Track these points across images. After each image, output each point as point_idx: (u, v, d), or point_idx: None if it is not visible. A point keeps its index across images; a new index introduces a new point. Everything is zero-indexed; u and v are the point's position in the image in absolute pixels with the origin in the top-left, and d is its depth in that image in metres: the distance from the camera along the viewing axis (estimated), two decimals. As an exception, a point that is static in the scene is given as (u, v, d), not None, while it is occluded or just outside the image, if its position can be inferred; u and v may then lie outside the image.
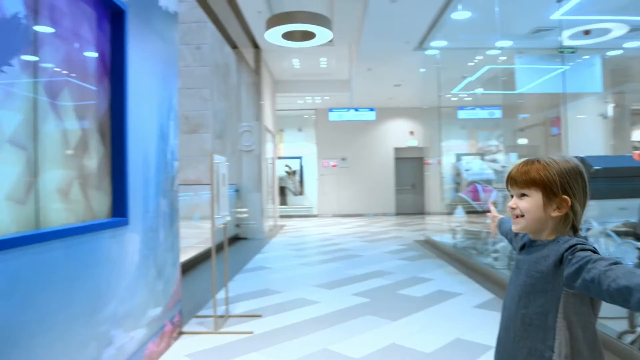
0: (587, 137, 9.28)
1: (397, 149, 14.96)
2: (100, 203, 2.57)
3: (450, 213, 9.75)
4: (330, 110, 10.55)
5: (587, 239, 1.20)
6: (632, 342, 3.10)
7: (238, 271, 6.11)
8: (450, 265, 6.41)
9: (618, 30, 6.96)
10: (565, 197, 1.19)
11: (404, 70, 9.84)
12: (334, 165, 14.74)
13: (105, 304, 2.42)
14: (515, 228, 1.28)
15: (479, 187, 7.30)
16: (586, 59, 8.30)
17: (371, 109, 10.71)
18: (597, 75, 8.12)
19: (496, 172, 8.39)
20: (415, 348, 3.30)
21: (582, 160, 4.18)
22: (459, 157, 11.09)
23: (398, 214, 14.91)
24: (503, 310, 1.32)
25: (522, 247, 1.31)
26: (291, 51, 9.07)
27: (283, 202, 14.55)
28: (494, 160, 9.11)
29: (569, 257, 1.10)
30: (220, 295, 4.50)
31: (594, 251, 1.09)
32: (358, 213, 14.70)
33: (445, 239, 8.32)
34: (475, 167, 7.80)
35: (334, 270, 6.17)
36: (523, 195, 1.24)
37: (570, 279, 1.09)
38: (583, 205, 1.21)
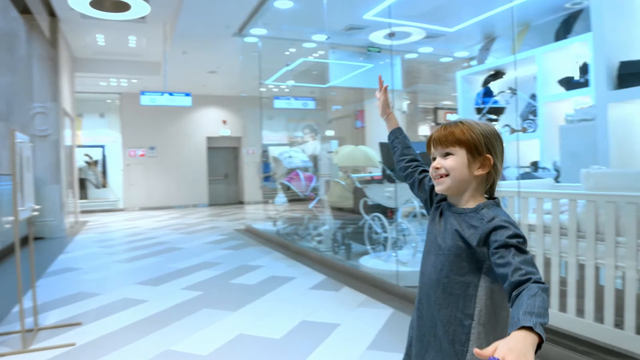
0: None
1: (209, 138, 14.58)
2: None
3: (267, 201, 9.88)
4: (143, 93, 9.66)
5: (499, 202, 1.23)
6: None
7: (40, 275, 5.17)
8: (276, 252, 6.46)
9: (417, 35, 7.86)
10: (489, 155, 1.20)
11: (221, 56, 9.57)
12: (142, 155, 13.66)
13: None
14: (439, 188, 1.24)
15: (301, 174, 7.51)
16: (388, 60, 9.21)
17: (187, 94, 10.15)
18: (398, 74, 9.05)
19: (313, 159, 8.77)
20: (264, 336, 3.19)
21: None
22: (269, 147, 11.27)
23: (211, 204, 14.57)
24: (422, 277, 1.28)
25: (439, 211, 1.30)
26: (95, 25, 8.03)
27: (83, 195, 12.94)
28: (303, 151, 9.42)
29: (494, 244, 1.08)
30: (25, 304, 3.71)
31: (519, 236, 1.08)
32: (169, 205, 13.92)
33: (267, 226, 8.39)
34: (296, 156, 8.00)
35: (155, 265, 5.67)
36: (447, 154, 1.22)
37: (490, 261, 1.09)
38: (500, 167, 1.24)
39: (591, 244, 2.45)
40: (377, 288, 4.26)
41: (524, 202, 2.89)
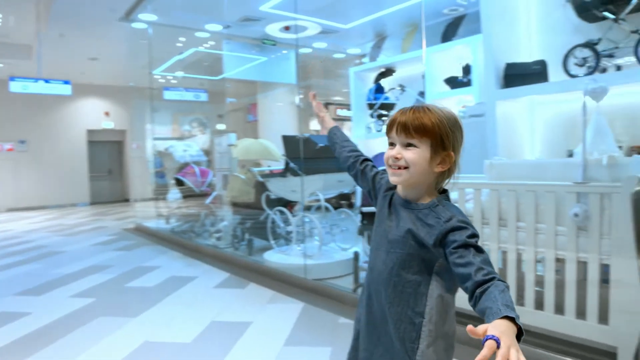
0: (282, 123, 10.26)
1: (90, 132, 13.44)
2: None
3: (158, 198, 9.36)
4: (12, 79, 8.56)
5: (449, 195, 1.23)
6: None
7: None
8: (172, 251, 6.14)
9: (312, 29, 7.92)
10: (452, 153, 1.15)
11: (105, 42, 8.83)
12: (10, 149, 12.20)
13: None
14: (394, 179, 1.19)
15: (196, 168, 7.22)
16: (284, 52, 9.20)
17: (66, 82, 9.20)
18: (292, 68, 9.07)
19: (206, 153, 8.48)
20: (173, 341, 3.01)
21: (308, 139, 4.60)
22: (156, 140, 10.65)
23: (94, 203, 13.47)
24: (371, 272, 1.25)
25: (388, 202, 1.26)
26: (-51, -1, 6.96)
27: None
28: (189, 145, 9.04)
29: (453, 244, 1.07)
30: None
31: (476, 235, 1.09)
32: (43, 205, 12.60)
33: (160, 224, 7.95)
34: (189, 149, 7.67)
35: (35, 272, 5.09)
36: (409, 145, 1.15)
37: (448, 260, 1.08)
38: (458, 163, 1.20)
39: (495, 230, 2.65)
40: (285, 283, 4.24)
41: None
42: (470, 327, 0.80)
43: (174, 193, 8.07)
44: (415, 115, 1.15)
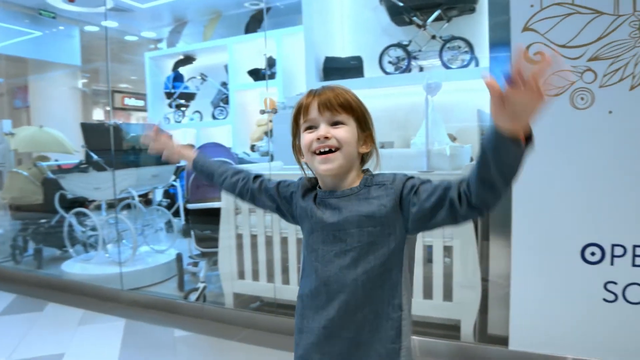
0: (63, 110, 8.91)
1: None
2: None
3: None
4: None
5: None
6: (197, 299, 3.26)
7: None
8: None
9: (102, 5, 6.96)
10: (370, 132, 1.07)
11: None
12: None
13: None
14: (327, 167, 1.01)
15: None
16: (64, 28, 7.91)
17: None
18: (76, 47, 7.91)
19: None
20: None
21: (118, 127, 3.97)
22: None
23: None
24: (325, 287, 1.02)
25: (313, 205, 1.07)
26: None
27: None
28: None
29: (412, 189, 0.98)
30: None
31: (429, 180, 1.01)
32: None
33: None
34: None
35: None
36: (337, 123, 1.02)
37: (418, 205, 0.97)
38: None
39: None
40: (96, 298, 3.58)
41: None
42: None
43: None
44: (335, 92, 1.04)
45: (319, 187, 1.09)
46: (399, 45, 3.50)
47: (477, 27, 3.42)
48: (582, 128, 2.04)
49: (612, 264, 2.04)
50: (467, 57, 3.28)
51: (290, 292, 2.83)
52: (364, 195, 1.02)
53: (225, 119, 5.62)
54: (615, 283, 2.04)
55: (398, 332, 1.01)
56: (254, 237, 2.92)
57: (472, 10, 3.38)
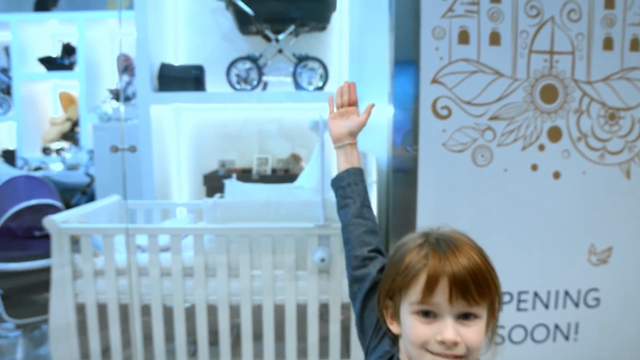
0: None
1: None
2: None
3: None
4: None
5: None
6: None
7: None
8: None
9: None
10: (496, 318, 0.81)
11: None
12: None
13: None
14: None
15: None
16: None
17: None
18: None
19: None
20: None
21: None
22: None
23: None
24: None
25: None
26: None
27: None
28: None
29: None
30: None
31: None
32: None
33: None
34: None
35: None
36: (467, 316, 0.72)
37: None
38: None
39: (224, 281, 2.19)
40: None
41: (108, 241, 2.21)
42: None
43: None
44: (471, 265, 0.72)
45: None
46: (248, 58, 3.11)
47: (324, 45, 3.31)
48: (481, 184, 2.09)
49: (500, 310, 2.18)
50: (322, 79, 3.13)
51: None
52: None
53: (6, 114, 4.33)
54: (503, 327, 2.19)
55: None
56: (102, 307, 2.21)
57: (324, 28, 3.22)
